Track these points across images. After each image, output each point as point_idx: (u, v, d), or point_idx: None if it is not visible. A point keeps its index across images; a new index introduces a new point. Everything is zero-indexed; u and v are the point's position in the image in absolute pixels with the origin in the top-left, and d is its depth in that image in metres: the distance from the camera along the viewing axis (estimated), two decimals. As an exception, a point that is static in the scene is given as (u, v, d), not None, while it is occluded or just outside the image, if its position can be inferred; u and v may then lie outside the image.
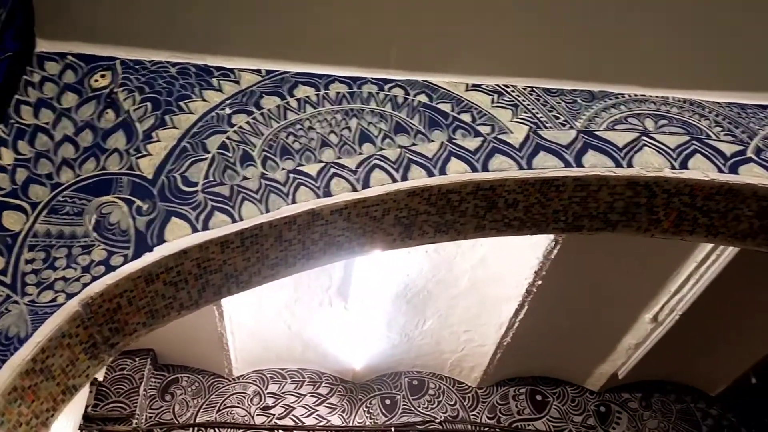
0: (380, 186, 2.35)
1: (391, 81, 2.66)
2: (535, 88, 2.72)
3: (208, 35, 2.64)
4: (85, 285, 2.00)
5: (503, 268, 3.96)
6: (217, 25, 2.64)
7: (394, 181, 2.36)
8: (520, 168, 2.45)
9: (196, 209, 2.20)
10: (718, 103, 2.77)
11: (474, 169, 2.43)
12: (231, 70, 2.60)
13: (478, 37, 2.73)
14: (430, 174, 2.39)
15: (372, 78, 2.66)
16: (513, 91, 2.69)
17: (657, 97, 2.76)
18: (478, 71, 2.72)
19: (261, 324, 4.57)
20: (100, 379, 4.85)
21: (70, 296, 1.98)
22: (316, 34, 2.68)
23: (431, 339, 4.76)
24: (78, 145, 2.31)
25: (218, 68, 2.60)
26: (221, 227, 2.17)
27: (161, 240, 2.12)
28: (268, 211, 2.23)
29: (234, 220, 2.19)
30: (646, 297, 4.20)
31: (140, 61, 2.58)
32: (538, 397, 5.16)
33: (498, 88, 2.70)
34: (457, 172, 2.41)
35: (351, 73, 2.66)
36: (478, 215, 2.58)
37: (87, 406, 4.68)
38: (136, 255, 2.08)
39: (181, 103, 2.47)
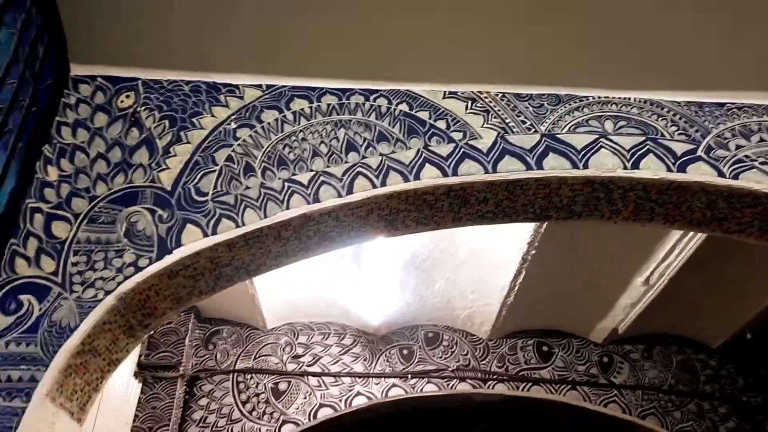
0: (362, 192, 2.73)
1: (376, 91, 3.00)
2: (507, 93, 3.01)
3: (215, 54, 3.01)
4: (119, 283, 2.49)
5: (499, 240, 4.32)
6: (223, 45, 3.00)
7: (374, 187, 2.74)
8: (486, 172, 2.79)
9: (207, 216, 2.64)
10: (678, 102, 3.02)
11: (445, 174, 2.78)
12: (236, 86, 2.99)
13: (455, 47, 3.01)
14: (406, 180, 2.76)
15: (359, 89, 3.01)
16: (486, 98, 3.00)
17: (619, 98, 3.02)
18: (455, 79, 3.03)
19: (286, 286, 5.07)
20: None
21: (108, 293, 2.47)
22: (309, 49, 3.01)
23: (442, 298, 5.20)
24: (109, 161, 2.77)
25: (225, 85, 2.99)
26: (227, 232, 2.61)
27: (179, 244, 2.58)
28: (266, 216, 2.66)
29: (238, 226, 2.63)
30: (636, 263, 4.50)
31: (158, 80, 2.99)
32: (545, 348, 5.58)
33: (473, 94, 3.01)
34: (431, 177, 2.77)
35: (341, 85, 3.01)
36: (453, 210, 2.95)
37: (140, 356, 5.32)
38: (159, 257, 2.55)
39: (194, 120, 2.88)
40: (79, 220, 2.61)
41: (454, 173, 2.78)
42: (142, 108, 2.91)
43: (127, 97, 2.93)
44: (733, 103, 3.02)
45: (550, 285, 4.76)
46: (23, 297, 2.41)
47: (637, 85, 3.04)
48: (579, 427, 5.56)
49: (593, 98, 3.01)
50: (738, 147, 2.87)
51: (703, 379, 5.52)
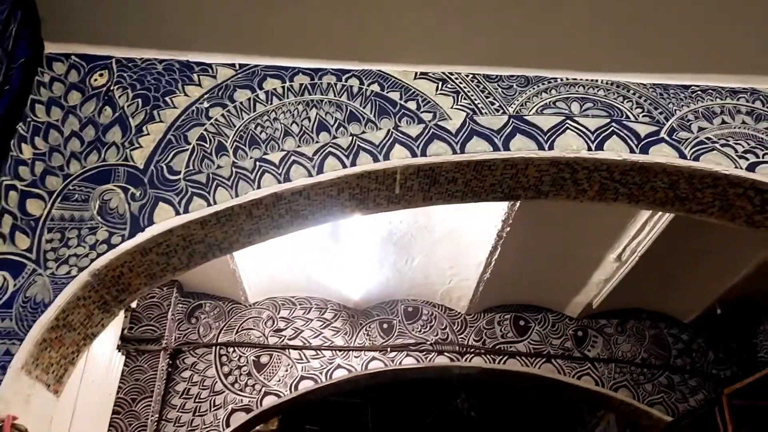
0: (333, 171, 2.79)
1: (348, 71, 3.04)
2: (477, 74, 3.06)
3: (189, 32, 3.02)
4: (92, 260, 2.55)
5: (474, 218, 4.39)
6: (197, 23, 3.02)
7: (345, 167, 2.80)
8: (455, 152, 2.85)
9: (179, 195, 2.69)
10: (644, 84, 3.08)
11: (414, 155, 2.84)
12: (209, 65, 3.02)
13: (427, 27, 3.04)
14: (376, 160, 2.82)
15: (332, 69, 3.04)
16: (456, 79, 3.04)
17: (587, 80, 3.07)
18: (426, 60, 3.07)
19: (267, 261, 5.15)
20: (134, 306, 5.55)
21: (81, 269, 2.53)
22: (282, 28, 3.03)
23: (421, 273, 5.29)
24: (83, 139, 2.80)
25: (198, 63, 3.02)
26: (199, 210, 2.67)
27: (151, 222, 2.64)
28: (237, 195, 2.71)
29: (209, 204, 2.69)
30: (608, 240, 4.59)
31: (132, 59, 3.01)
32: (521, 323, 5.71)
33: (443, 75, 3.05)
34: (399, 158, 2.83)
35: (313, 65, 3.04)
36: (423, 189, 3.02)
37: (123, 329, 5.40)
38: (131, 234, 2.61)
39: (167, 99, 2.91)
40: (53, 198, 2.66)
41: (423, 153, 2.84)
42: (116, 86, 2.93)
43: (101, 75, 2.96)
44: (698, 86, 3.09)
45: (525, 261, 4.87)
46: (-2, 273, 2.47)
47: (605, 67, 3.09)
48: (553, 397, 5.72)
49: (561, 80, 3.07)
50: (700, 129, 2.95)
51: (675, 353, 5.67)
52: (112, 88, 2.93)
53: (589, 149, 2.88)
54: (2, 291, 2.44)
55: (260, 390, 5.33)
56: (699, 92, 3.07)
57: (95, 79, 2.94)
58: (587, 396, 5.61)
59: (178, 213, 2.66)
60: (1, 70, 2.68)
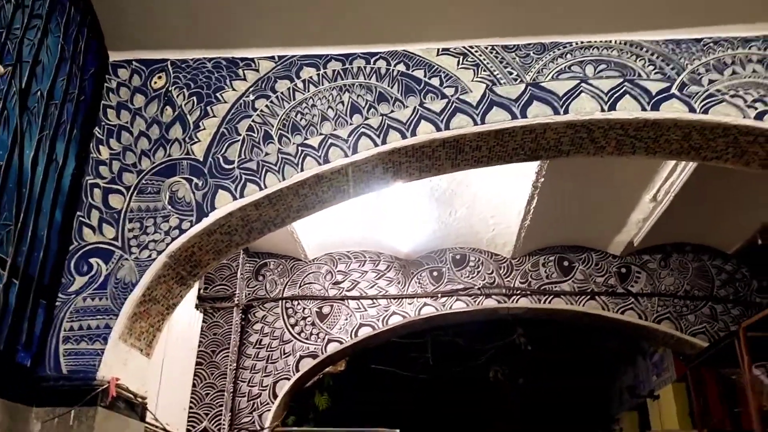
0: (366, 150, 3.12)
1: (376, 54, 3.32)
2: (495, 46, 3.28)
3: (233, 30, 3.35)
4: (167, 244, 2.99)
5: (509, 170, 4.63)
6: (239, 21, 3.33)
7: (376, 145, 3.12)
8: (476, 124, 3.12)
9: (234, 182, 3.09)
10: (656, 41, 3.23)
11: (438, 129, 3.13)
12: (252, 60, 3.35)
13: (446, 3, 3.27)
14: (404, 137, 3.13)
15: (361, 53, 3.33)
16: (476, 51, 3.28)
17: (601, 41, 3.25)
18: (448, 36, 3.30)
19: (322, 221, 5.55)
20: (205, 268, 6.10)
21: (159, 252, 2.98)
22: (315, 18, 3.31)
23: (465, 223, 5.59)
24: (150, 138, 3.22)
25: (242, 59, 3.36)
26: (252, 195, 3.06)
27: (213, 207, 3.05)
28: (284, 179, 3.08)
29: (261, 188, 3.07)
30: (641, 182, 4.75)
31: (185, 60, 3.38)
32: (565, 263, 5.96)
33: (464, 49, 3.29)
34: (425, 133, 3.13)
35: (344, 50, 3.33)
36: (450, 158, 3.31)
37: (199, 290, 5.98)
38: (198, 220, 3.03)
39: (218, 94, 3.28)
40: (130, 192, 3.10)
41: (447, 127, 3.13)
42: (173, 87, 3.32)
43: (159, 78, 3.34)
44: (710, 38, 3.21)
45: (563, 207, 5.10)
46: (92, 260, 2.95)
47: (619, 27, 3.25)
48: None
49: (576, 44, 3.25)
50: (710, 82, 3.10)
51: (718, 284, 5.83)
52: (170, 88, 3.31)
53: (602, 110, 3.09)
54: (97, 275, 2.93)
55: (324, 338, 5.84)
56: (711, 44, 3.20)
57: (155, 82, 3.33)
58: (631, 329, 5.88)
59: (234, 198, 3.06)
60: (76, 83, 3.09)
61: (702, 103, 3.05)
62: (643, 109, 3.08)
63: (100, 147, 3.20)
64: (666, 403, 7.15)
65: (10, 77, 2.59)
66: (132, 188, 3.11)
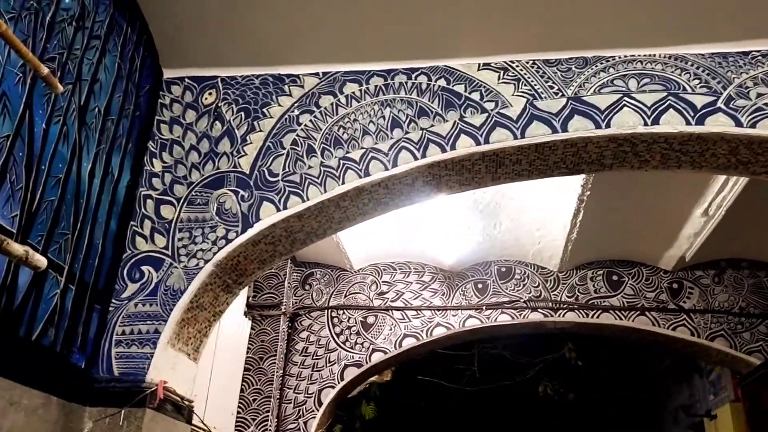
0: (406, 164, 3.17)
1: (417, 69, 3.38)
2: (537, 60, 3.30)
3: (280, 48, 3.47)
4: (214, 254, 3.11)
5: (554, 183, 4.60)
6: (286, 39, 3.45)
7: (416, 159, 3.17)
8: (515, 138, 3.14)
9: (278, 194, 3.19)
10: (702, 54, 3.18)
11: (478, 143, 3.16)
12: (297, 76, 3.46)
13: (488, 19, 3.29)
14: (444, 150, 3.17)
15: (402, 68, 3.39)
16: (517, 66, 3.30)
17: (645, 55, 3.22)
18: (489, 51, 3.34)
19: (367, 232, 5.63)
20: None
21: (207, 261, 3.10)
22: (358, 35, 3.39)
23: (510, 236, 5.58)
24: (200, 151, 3.36)
25: (288, 75, 3.47)
26: (295, 207, 3.16)
27: (258, 218, 3.16)
28: (326, 191, 3.17)
29: (303, 201, 3.16)
30: (691, 196, 4.65)
31: (234, 77, 3.51)
32: (614, 277, 5.86)
33: (504, 64, 3.31)
34: (465, 147, 3.16)
35: (386, 66, 3.41)
36: (490, 171, 3.33)
37: (248, 298, 6.14)
38: (243, 230, 3.15)
39: (264, 110, 3.40)
40: (180, 203, 3.24)
41: (486, 141, 3.15)
42: (222, 103, 3.45)
43: (210, 94, 3.48)
44: (759, 51, 3.15)
45: (610, 221, 5.03)
46: (144, 268, 3.09)
47: (663, 41, 3.22)
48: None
49: (619, 58, 3.24)
50: (759, 95, 3.04)
51: (776, 302, 5.63)
52: (219, 104, 3.45)
53: (645, 124, 3.06)
54: (148, 282, 3.07)
55: (368, 347, 5.91)
56: (759, 57, 3.13)
57: (206, 98, 3.47)
58: (683, 346, 5.72)
59: (278, 210, 3.16)
60: (131, 100, 3.26)
61: (749, 117, 2.99)
62: (688, 123, 3.04)
63: (154, 160, 3.35)
64: (723, 424, 6.90)
65: (70, 95, 2.75)
66: (182, 200, 3.24)
